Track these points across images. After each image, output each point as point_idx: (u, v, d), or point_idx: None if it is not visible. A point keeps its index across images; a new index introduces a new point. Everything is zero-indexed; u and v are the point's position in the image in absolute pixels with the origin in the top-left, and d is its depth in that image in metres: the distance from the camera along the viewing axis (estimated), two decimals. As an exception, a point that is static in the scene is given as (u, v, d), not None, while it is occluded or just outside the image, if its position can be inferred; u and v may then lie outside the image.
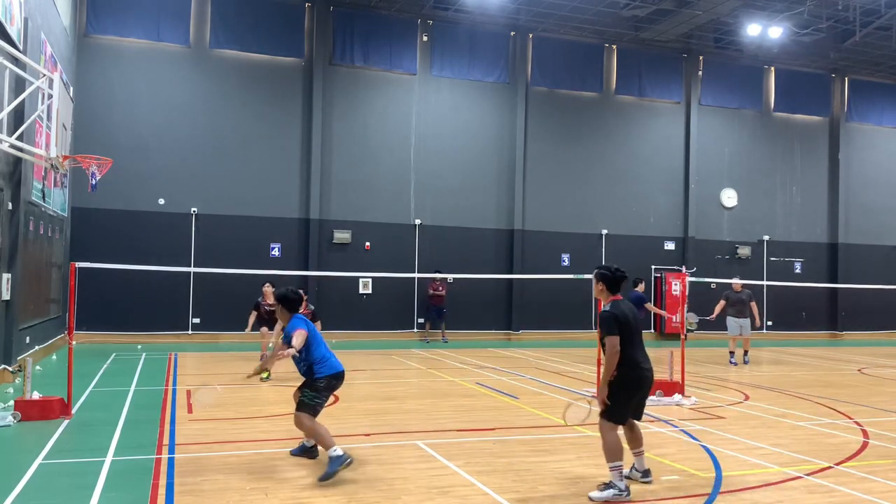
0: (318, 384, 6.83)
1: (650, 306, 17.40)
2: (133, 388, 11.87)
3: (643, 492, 6.41)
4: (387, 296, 21.91)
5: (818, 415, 10.45)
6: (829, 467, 7.36)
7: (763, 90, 26.53)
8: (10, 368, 12.12)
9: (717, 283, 22.04)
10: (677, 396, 11.18)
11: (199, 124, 20.55)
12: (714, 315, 17.05)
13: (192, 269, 19.14)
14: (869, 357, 19.54)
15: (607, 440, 6.26)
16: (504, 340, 22.48)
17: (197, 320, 20.17)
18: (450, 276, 21.24)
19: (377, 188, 22.01)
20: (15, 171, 12.53)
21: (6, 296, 12.22)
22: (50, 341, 16.14)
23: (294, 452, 7.48)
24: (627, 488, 6.19)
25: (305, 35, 21.62)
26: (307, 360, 6.85)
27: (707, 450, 8.05)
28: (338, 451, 6.54)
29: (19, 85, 12.15)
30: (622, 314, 6.35)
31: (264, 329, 15.28)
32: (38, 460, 7.18)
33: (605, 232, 24.18)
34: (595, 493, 6.18)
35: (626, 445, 6.54)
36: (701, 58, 25.51)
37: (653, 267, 24.60)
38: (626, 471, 6.45)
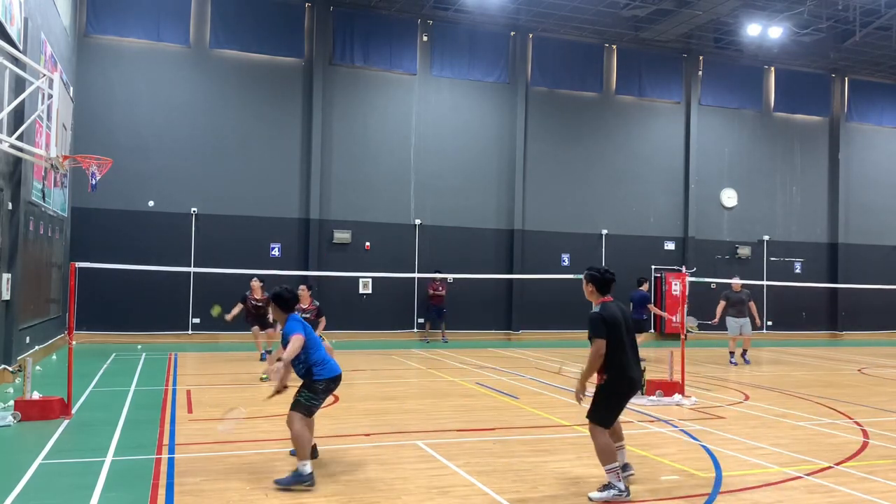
0: (316, 386, 6.82)
1: (652, 307, 17.38)
2: (133, 388, 11.87)
3: (643, 492, 6.42)
4: (387, 296, 21.91)
5: (818, 415, 10.45)
6: (829, 467, 7.37)
7: (763, 90, 26.53)
8: (10, 368, 12.12)
9: (717, 283, 22.02)
10: (677, 396, 11.19)
11: (199, 124, 20.55)
12: (717, 318, 17.00)
13: (191, 270, 19.14)
14: (869, 357, 19.54)
15: (599, 443, 6.28)
16: (504, 340, 22.48)
17: (197, 320, 20.17)
18: (450, 276, 21.25)
19: (377, 188, 22.02)
20: (15, 171, 12.53)
21: (6, 296, 12.22)
22: (50, 341, 16.15)
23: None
24: (627, 488, 6.21)
25: (305, 35, 21.62)
26: (306, 363, 6.82)
27: (707, 450, 8.04)
28: (307, 468, 6.43)
29: (19, 85, 12.16)
30: (611, 316, 6.29)
31: (256, 328, 15.45)
32: (38, 460, 7.18)
33: (605, 232, 24.18)
34: (595, 494, 6.19)
35: None
36: (701, 58, 25.50)
37: (653, 267, 24.59)
38: None
